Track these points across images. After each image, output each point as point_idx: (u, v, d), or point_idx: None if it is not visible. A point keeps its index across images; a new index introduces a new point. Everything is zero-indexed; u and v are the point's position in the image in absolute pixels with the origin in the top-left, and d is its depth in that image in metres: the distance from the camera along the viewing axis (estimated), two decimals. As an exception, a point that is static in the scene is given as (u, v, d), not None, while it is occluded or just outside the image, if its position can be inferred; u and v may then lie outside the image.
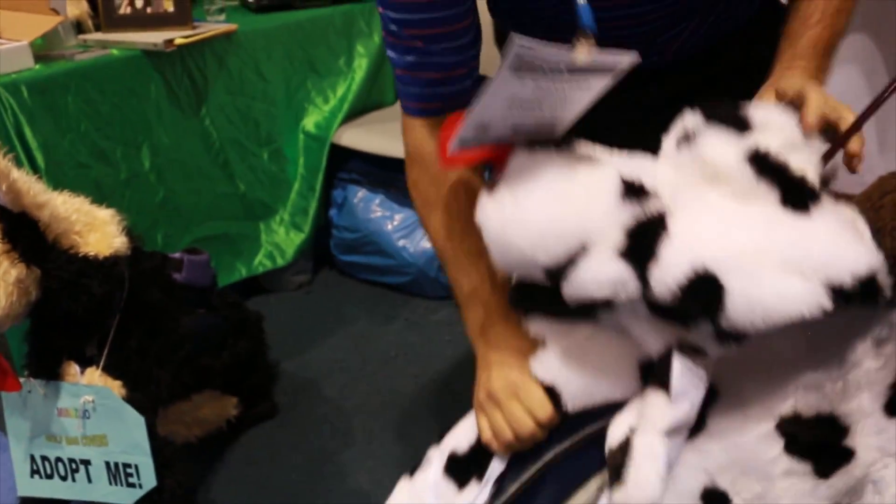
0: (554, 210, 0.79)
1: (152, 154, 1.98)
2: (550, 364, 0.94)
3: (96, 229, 1.21)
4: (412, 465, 1.05)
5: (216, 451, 1.74)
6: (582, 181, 0.80)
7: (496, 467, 0.97)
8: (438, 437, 1.05)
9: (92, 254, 1.19)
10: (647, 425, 0.82)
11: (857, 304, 0.74)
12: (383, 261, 2.30)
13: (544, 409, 0.92)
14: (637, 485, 0.82)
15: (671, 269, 0.75)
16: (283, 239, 2.30)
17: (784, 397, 0.83)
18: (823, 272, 0.72)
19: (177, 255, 1.47)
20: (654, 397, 0.82)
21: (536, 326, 0.94)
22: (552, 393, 0.93)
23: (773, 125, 0.82)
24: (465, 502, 0.97)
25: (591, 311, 0.83)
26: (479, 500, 0.96)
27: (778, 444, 0.84)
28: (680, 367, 0.80)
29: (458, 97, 0.98)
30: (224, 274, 2.15)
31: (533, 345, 0.96)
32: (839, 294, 0.72)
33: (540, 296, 0.86)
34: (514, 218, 0.80)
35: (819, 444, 0.84)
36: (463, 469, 0.99)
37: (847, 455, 0.84)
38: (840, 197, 2.08)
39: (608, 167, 0.81)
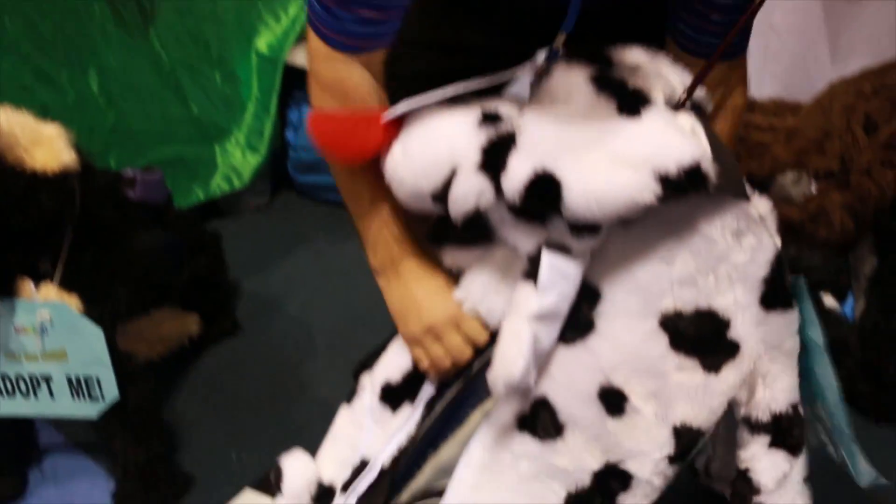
0: (427, 144, 0.90)
1: (100, 77, 1.96)
2: (474, 291, 1.01)
3: (43, 144, 1.20)
4: (348, 394, 1.12)
5: (179, 368, 1.77)
6: (449, 118, 0.90)
7: (427, 390, 1.04)
8: (364, 362, 1.11)
9: (40, 169, 1.19)
10: (514, 312, 0.89)
11: (686, 191, 0.83)
12: (341, 180, 2.30)
13: (482, 336, 0.99)
14: (501, 363, 0.88)
15: (516, 173, 0.85)
16: (239, 161, 2.29)
17: (661, 294, 0.90)
18: (650, 163, 0.82)
19: (129, 172, 1.47)
20: (523, 287, 0.90)
21: (452, 258, 1.02)
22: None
23: (631, 59, 0.92)
24: (398, 423, 1.04)
25: (481, 229, 0.94)
26: (411, 420, 1.03)
27: (663, 340, 0.91)
28: (548, 261, 0.88)
29: (392, 35, 0.96)
30: (181, 197, 2.15)
31: (448, 277, 1.03)
32: (666, 182, 0.81)
33: (451, 229, 0.96)
34: (403, 159, 0.91)
35: (703, 338, 0.91)
36: (397, 396, 1.07)
37: (732, 348, 0.92)
38: (788, 108, 2.10)
39: (471, 105, 0.91)
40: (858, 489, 0.98)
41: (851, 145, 1.93)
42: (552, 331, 0.91)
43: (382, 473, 1.03)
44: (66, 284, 1.28)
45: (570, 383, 0.94)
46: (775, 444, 0.95)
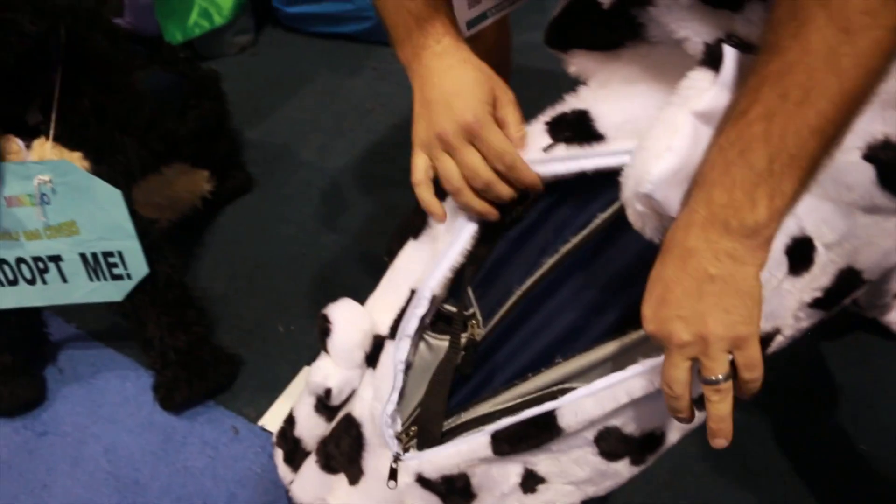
0: None
1: None
2: (585, 95, 0.77)
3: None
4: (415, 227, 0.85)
5: (195, 233, 1.52)
6: None
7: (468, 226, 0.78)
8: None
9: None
10: (679, 100, 0.65)
11: None
12: (337, 7, 2.00)
13: (507, 152, 0.74)
14: (641, 157, 0.64)
15: None
16: (215, -6, 1.97)
17: (871, 119, 0.66)
18: None
19: (112, -6, 1.17)
20: (698, 73, 0.65)
21: (578, 63, 0.79)
22: (582, 115, 0.75)
23: None
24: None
25: (633, 23, 0.71)
26: (460, 239, 0.79)
27: (867, 174, 0.68)
28: (732, 54, 0.64)
29: None
30: (155, 41, 1.83)
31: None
32: None
33: (581, 25, 0.76)
34: None
35: None
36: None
37: None
38: None
39: None
40: None
41: None
42: (706, 139, 0.67)
43: (448, 312, 0.80)
44: (65, 140, 1.02)
45: None
46: None
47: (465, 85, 0.77)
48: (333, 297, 1.41)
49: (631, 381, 0.69)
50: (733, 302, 0.61)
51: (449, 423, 0.79)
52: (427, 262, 0.81)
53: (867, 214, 0.70)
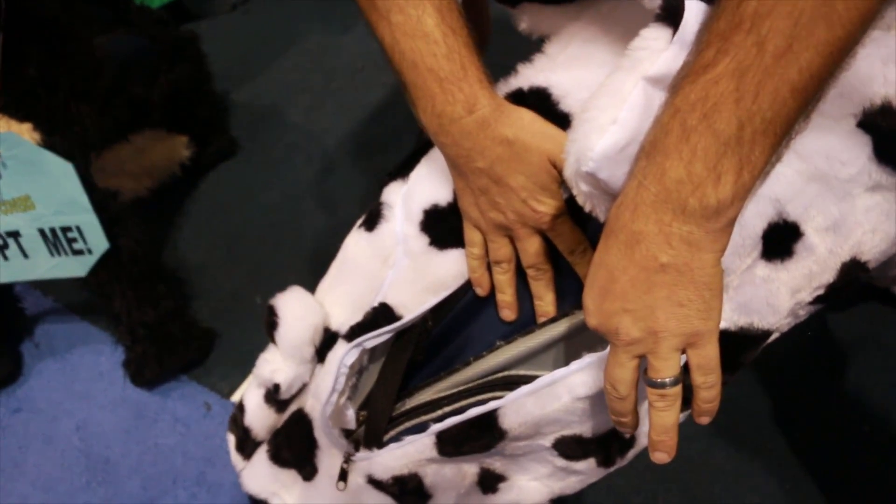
0: None
1: None
2: (543, 64, 0.68)
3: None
4: (367, 214, 0.77)
5: (174, 202, 1.48)
6: None
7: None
8: (394, 171, 0.78)
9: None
10: (629, 63, 0.56)
11: None
12: (328, -41, 1.93)
13: (576, 241, 0.66)
14: (582, 129, 0.56)
15: None
16: (202, -50, 1.91)
17: (869, 80, 0.58)
18: None
19: (68, -46, 1.11)
20: (651, 31, 0.56)
21: (529, 19, 0.71)
22: (542, 94, 0.66)
23: None
24: (444, 272, 0.72)
25: None
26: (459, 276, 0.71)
27: (863, 147, 0.60)
28: (695, 7, 0.54)
29: None
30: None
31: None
32: None
33: None
34: None
35: None
36: (446, 225, 0.71)
37: None
38: None
39: None
40: None
41: None
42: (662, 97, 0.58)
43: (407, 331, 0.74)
44: (13, 110, 0.97)
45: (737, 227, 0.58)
46: None
47: (518, 161, 0.64)
48: (315, 267, 1.38)
49: (572, 378, 0.64)
50: (688, 294, 0.53)
51: (395, 410, 0.75)
52: (398, 266, 0.74)
53: (870, 193, 0.63)
